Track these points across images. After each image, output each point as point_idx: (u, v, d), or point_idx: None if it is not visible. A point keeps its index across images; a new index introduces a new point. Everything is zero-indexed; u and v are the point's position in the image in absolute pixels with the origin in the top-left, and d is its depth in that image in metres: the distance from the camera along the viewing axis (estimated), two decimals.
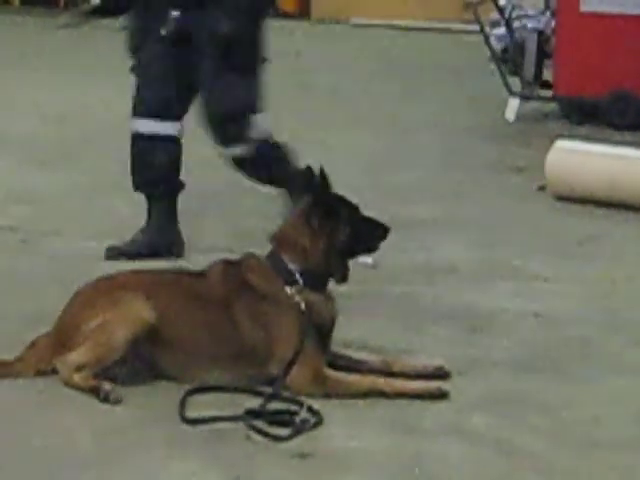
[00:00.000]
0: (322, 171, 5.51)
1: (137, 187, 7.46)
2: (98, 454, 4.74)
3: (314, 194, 5.57)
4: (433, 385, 5.42)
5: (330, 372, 5.45)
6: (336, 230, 5.53)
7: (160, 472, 4.65)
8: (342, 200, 5.65)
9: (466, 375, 5.64)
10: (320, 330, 5.55)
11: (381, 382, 5.41)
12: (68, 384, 5.28)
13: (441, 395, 5.33)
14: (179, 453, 4.77)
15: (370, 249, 5.84)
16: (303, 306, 5.41)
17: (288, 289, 5.44)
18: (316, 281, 5.57)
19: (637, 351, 6.17)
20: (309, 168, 5.64)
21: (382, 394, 5.33)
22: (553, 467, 4.75)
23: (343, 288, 6.38)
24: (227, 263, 5.69)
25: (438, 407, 5.25)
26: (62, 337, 5.44)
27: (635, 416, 5.37)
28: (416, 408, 5.23)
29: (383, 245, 7.31)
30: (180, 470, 4.64)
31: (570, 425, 5.17)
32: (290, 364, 5.27)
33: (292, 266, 5.50)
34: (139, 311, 5.38)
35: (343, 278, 5.69)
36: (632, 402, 5.53)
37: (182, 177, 7.53)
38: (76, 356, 5.30)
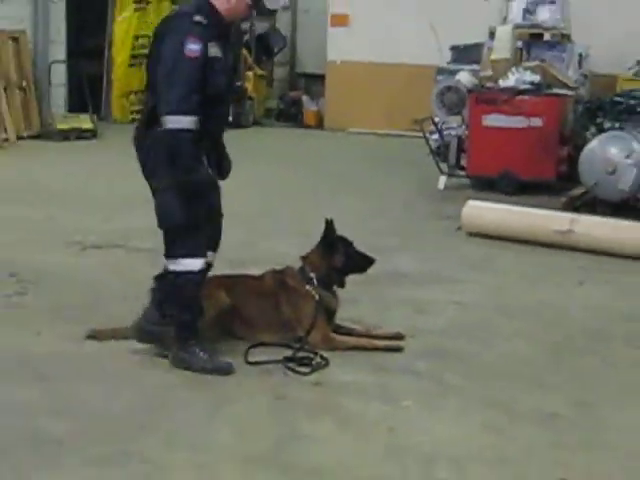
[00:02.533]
0: (330, 221, 6.38)
1: None
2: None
3: (325, 235, 6.42)
4: (394, 343, 6.39)
5: (334, 335, 6.32)
6: (335, 257, 6.42)
7: (235, 390, 5.59)
8: (341, 239, 6.47)
9: (414, 338, 6.53)
10: (328, 312, 6.39)
11: (364, 341, 6.36)
12: None
13: (399, 349, 6.30)
14: (246, 382, 5.67)
15: (360, 271, 6.58)
16: (317, 297, 6.26)
17: (309, 287, 6.31)
18: (325, 284, 6.37)
19: (515, 323, 7.05)
20: (328, 221, 6.40)
21: (365, 348, 6.27)
22: (467, 392, 5.64)
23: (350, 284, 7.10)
24: (275, 271, 6.51)
25: (398, 356, 6.19)
26: None
27: (511, 353, 6.33)
28: (384, 356, 6.17)
29: None
30: (245, 391, 5.58)
31: (478, 367, 6.11)
32: (309, 330, 6.14)
33: (311, 274, 6.35)
34: (220, 298, 6.18)
35: (341, 285, 6.51)
36: (517, 348, 6.50)
37: None
38: None
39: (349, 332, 6.52)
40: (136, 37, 18.74)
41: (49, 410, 5.17)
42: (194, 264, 5.77)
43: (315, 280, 6.36)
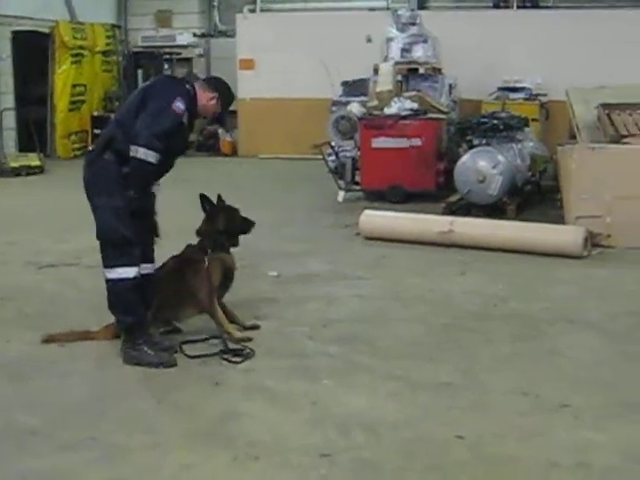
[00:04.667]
0: (219, 196, 6.34)
1: None
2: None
3: (205, 207, 6.28)
4: (246, 336, 6.18)
5: (216, 305, 6.17)
6: (218, 222, 6.26)
7: (179, 379, 5.59)
8: (226, 207, 6.36)
9: (327, 326, 6.63)
10: (227, 270, 6.26)
11: (227, 325, 6.17)
12: None
13: (249, 340, 6.12)
14: (188, 373, 5.67)
15: (244, 232, 6.45)
16: (206, 264, 6.09)
17: (205, 257, 6.17)
18: (221, 247, 6.27)
19: (409, 310, 7.11)
20: (219, 196, 6.35)
21: (224, 331, 6.10)
22: (373, 369, 5.69)
23: (264, 285, 7.60)
24: (187, 246, 6.35)
25: (314, 343, 6.21)
26: None
27: (407, 334, 6.39)
28: (304, 343, 6.20)
29: (283, 264, 8.43)
30: (187, 380, 5.57)
31: (380, 347, 6.17)
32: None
33: (206, 243, 6.23)
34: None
35: (234, 245, 6.39)
36: (412, 330, 6.54)
37: None
38: None
39: (229, 315, 6.39)
40: (73, 86, 18.76)
41: (22, 405, 5.14)
42: (128, 272, 5.78)
43: (209, 249, 6.22)
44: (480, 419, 4.93)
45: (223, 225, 6.32)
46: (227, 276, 6.36)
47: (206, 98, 6.05)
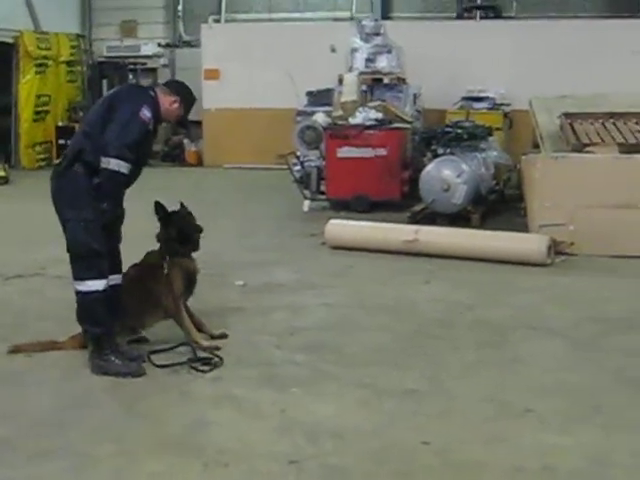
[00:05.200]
0: (181, 203, 6.34)
1: None
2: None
3: (163, 213, 6.27)
4: (214, 345, 6.22)
5: (181, 307, 6.22)
6: (173, 228, 6.23)
7: (146, 388, 5.59)
8: (179, 212, 6.33)
9: (294, 335, 6.67)
10: (188, 277, 6.28)
11: (194, 333, 6.21)
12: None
13: (217, 348, 6.15)
14: (156, 382, 5.68)
15: (195, 238, 6.37)
16: (166, 270, 6.11)
17: (164, 263, 6.18)
18: (178, 253, 6.26)
19: (375, 318, 7.16)
20: (181, 203, 6.35)
21: (195, 342, 6.14)
22: (340, 377, 5.71)
23: (231, 294, 7.65)
24: (147, 253, 6.36)
25: (281, 351, 6.24)
26: None
27: (373, 342, 6.41)
28: (270, 352, 6.24)
29: (250, 273, 8.47)
30: (155, 389, 5.59)
31: (347, 355, 6.18)
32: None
33: (164, 249, 6.24)
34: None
35: (194, 249, 6.36)
36: (378, 338, 6.56)
37: None
38: None
39: (195, 322, 6.40)
40: (38, 96, 18.72)
41: None
42: (97, 284, 5.78)
43: (167, 255, 6.23)
44: (446, 425, 4.98)
45: (175, 231, 6.29)
46: (190, 280, 6.36)
47: (168, 102, 6.05)
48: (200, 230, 6.42)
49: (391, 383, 5.66)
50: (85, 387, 5.64)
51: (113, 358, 5.81)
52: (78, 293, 5.85)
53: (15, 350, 6.18)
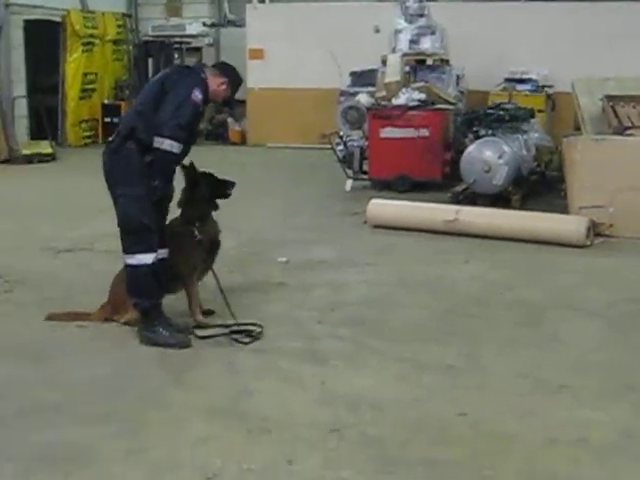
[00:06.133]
0: (192, 163, 6.36)
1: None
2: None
3: (186, 176, 6.36)
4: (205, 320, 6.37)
5: (195, 284, 6.36)
6: (200, 188, 6.35)
7: (193, 359, 5.83)
8: (202, 173, 6.40)
9: (335, 310, 6.82)
10: (211, 241, 6.36)
11: (198, 312, 6.37)
12: (131, 324, 6.24)
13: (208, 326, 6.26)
14: (202, 353, 5.89)
15: (224, 196, 6.46)
16: (199, 237, 6.26)
17: (193, 229, 6.30)
18: (202, 216, 6.35)
19: (415, 295, 7.32)
20: (191, 164, 6.37)
21: (193, 313, 6.33)
22: (381, 351, 5.90)
23: (273, 271, 7.81)
24: (171, 221, 6.40)
25: (323, 326, 6.42)
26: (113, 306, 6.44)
27: (413, 318, 6.54)
28: (312, 326, 6.41)
29: (292, 251, 8.59)
30: (201, 359, 5.80)
31: (387, 331, 6.37)
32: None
33: (190, 213, 6.34)
34: None
35: (215, 208, 6.41)
36: (417, 314, 6.70)
37: None
38: (130, 314, 6.30)
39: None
40: (85, 74, 18.98)
41: (46, 382, 5.34)
42: (147, 258, 5.98)
43: (197, 220, 6.34)
44: (482, 399, 5.13)
45: (206, 191, 6.40)
46: (213, 244, 6.48)
47: (216, 83, 6.23)
48: (233, 184, 6.52)
49: (430, 358, 5.81)
50: (133, 357, 5.85)
51: (161, 329, 6.02)
52: (128, 266, 6.07)
53: (50, 318, 6.47)
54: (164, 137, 5.88)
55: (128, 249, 6.03)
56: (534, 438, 4.59)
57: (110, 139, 6.13)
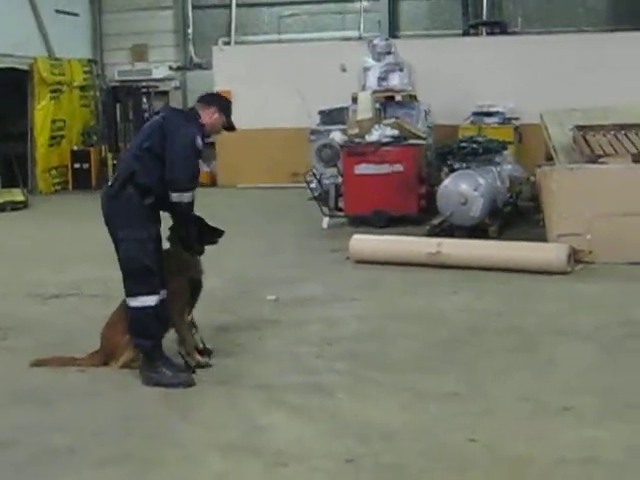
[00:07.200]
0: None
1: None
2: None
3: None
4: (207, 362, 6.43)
5: (184, 322, 6.42)
6: (195, 229, 6.37)
7: (198, 397, 5.85)
8: (195, 217, 6.41)
9: (332, 345, 6.93)
10: (194, 281, 6.43)
11: (193, 348, 6.42)
12: (130, 367, 6.28)
13: (208, 365, 6.36)
14: (206, 391, 5.94)
15: (213, 242, 6.55)
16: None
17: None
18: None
19: (406, 327, 7.41)
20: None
21: (188, 354, 6.36)
22: (381, 382, 5.99)
23: (264, 309, 7.89)
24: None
25: (322, 361, 6.49)
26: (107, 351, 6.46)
27: (407, 349, 6.65)
28: (310, 361, 6.47)
29: (279, 289, 8.67)
30: (206, 397, 5.90)
31: (384, 362, 6.46)
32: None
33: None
34: None
35: (199, 253, 6.45)
36: (411, 345, 6.78)
37: None
38: (126, 357, 6.36)
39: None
40: (53, 121, 19.05)
41: (54, 428, 5.35)
42: (150, 300, 6.05)
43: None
44: (489, 424, 5.23)
45: (196, 235, 6.45)
46: (196, 284, 6.53)
47: (209, 116, 6.33)
48: (222, 233, 6.65)
49: (430, 387, 5.91)
50: (139, 398, 5.88)
51: (164, 370, 6.07)
52: (131, 309, 6.12)
53: (37, 364, 6.48)
54: (182, 191, 6.07)
55: (131, 291, 6.09)
56: (545, 459, 4.68)
57: (109, 184, 6.21)
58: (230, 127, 6.52)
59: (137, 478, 4.67)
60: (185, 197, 6.08)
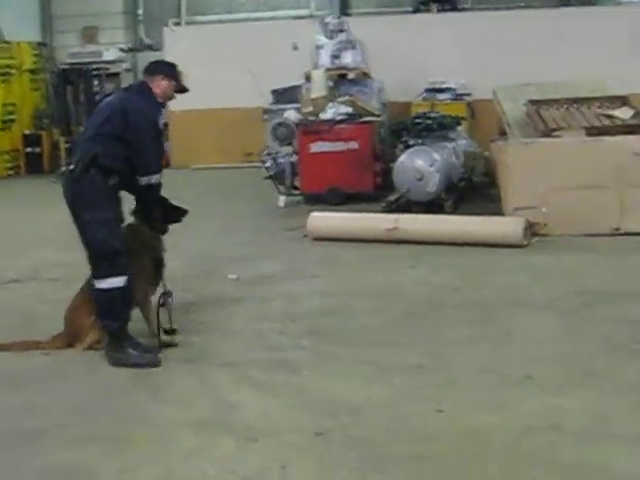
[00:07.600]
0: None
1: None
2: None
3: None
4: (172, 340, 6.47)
5: (150, 302, 6.47)
6: (156, 211, 6.43)
7: (165, 376, 5.90)
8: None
9: (295, 321, 6.98)
10: (156, 259, 6.51)
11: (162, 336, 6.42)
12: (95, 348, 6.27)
13: (173, 345, 6.41)
14: (173, 370, 6.00)
15: (177, 221, 6.66)
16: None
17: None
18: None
19: (366, 302, 7.46)
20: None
21: (155, 335, 6.36)
22: (345, 357, 6.04)
23: (226, 287, 7.90)
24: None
25: (286, 337, 6.53)
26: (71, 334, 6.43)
27: (369, 324, 6.72)
28: (275, 338, 6.53)
29: (240, 267, 8.71)
30: (173, 376, 5.95)
31: (347, 337, 6.51)
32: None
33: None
34: None
35: (163, 232, 6.53)
36: (372, 320, 6.88)
37: None
38: (90, 338, 6.36)
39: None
40: (4, 105, 18.82)
41: (25, 410, 5.35)
42: (118, 281, 6.04)
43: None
44: (453, 395, 5.32)
45: (160, 214, 6.52)
46: (158, 262, 6.58)
47: (157, 85, 6.32)
48: (186, 212, 6.74)
49: (394, 360, 5.98)
50: (107, 379, 5.89)
51: (131, 350, 6.08)
52: (98, 290, 6.09)
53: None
54: (152, 174, 6.16)
55: (99, 274, 6.07)
56: (511, 428, 4.78)
57: (71, 168, 6.14)
58: (181, 89, 6.48)
59: (110, 457, 4.68)
60: (154, 179, 6.15)
